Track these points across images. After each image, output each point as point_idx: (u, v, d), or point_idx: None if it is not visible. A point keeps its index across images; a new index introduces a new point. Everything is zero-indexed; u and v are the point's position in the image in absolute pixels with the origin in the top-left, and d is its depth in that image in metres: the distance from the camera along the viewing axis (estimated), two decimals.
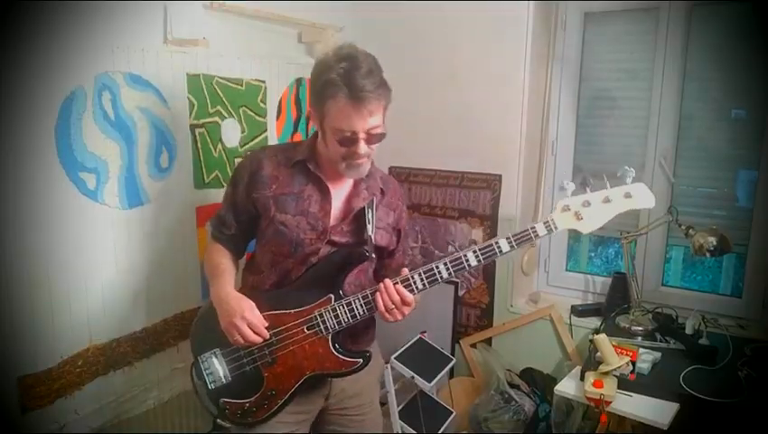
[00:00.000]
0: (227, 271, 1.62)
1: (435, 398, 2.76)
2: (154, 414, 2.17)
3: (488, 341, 2.88)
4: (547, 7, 2.67)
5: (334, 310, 1.54)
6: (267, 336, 1.52)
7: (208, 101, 2.24)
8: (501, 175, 2.74)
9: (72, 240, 1.86)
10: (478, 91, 2.74)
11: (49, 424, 1.85)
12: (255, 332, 1.50)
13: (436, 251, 2.96)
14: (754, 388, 1.94)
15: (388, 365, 2.54)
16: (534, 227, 1.45)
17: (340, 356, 1.56)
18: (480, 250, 1.48)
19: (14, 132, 1.68)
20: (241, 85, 2.36)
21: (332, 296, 1.55)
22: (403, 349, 2.66)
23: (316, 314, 1.54)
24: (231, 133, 2.35)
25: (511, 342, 2.82)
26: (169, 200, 2.13)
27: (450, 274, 1.49)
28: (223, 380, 1.58)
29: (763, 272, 2.41)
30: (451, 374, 2.90)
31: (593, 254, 2.98)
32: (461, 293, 2.92)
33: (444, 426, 2.63)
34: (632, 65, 2.62)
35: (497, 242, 1.47)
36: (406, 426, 2.53)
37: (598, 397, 1.90)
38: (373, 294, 1.51)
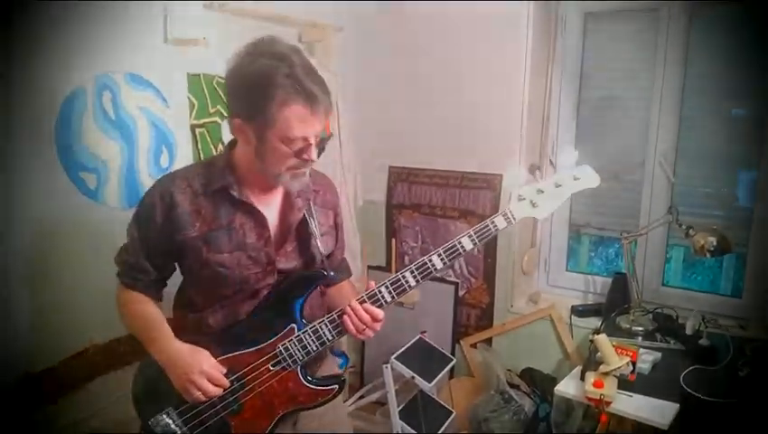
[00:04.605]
0: (162, 322, 1.44)
1: (435, 398, 2.76)
2: None
3: (488, 341, 2.88)
4: (547, 7, 2.67)
5: (300, 340, 1.41)
6: (228, 384, 1.39)
7: (208, 101, 2.24)
8: (501, 175, 2.74)
9: (72, 240, 1.86)
10: (478, 91, 2.73)
11: (49, 424, 1.84)
12: (215, 384, 1.37)
13: None
14: (754, 388, 1.93)
15: (389, 365, 2.54)
16: (494, 220, 1.41)
17: (313, 387, 1.44)
18: (444, 251, 1.40)
19: (15, 132, 1.69)
20: None
21: (295, 325, 1.42)
22: (403, 349, 2.66)
23: (281, 348, 1.40)
24: None
25: (511, 342, 2.82)
26: None
27: (418, 281, 1.40)
28: None
29: (763, 272, 2.41)
30: (451, 374, 2.90)
31: (593, 254, 2.98)
32: (461, 293, 2.92)
33: (444, 426, 2.63)
34: (632, 65, 2.61)
35: (460, 241, 1.40)
36: (406, 426, 2.53)
37: (598, 397, 1.90)
38: (340, 316, 1.40)
